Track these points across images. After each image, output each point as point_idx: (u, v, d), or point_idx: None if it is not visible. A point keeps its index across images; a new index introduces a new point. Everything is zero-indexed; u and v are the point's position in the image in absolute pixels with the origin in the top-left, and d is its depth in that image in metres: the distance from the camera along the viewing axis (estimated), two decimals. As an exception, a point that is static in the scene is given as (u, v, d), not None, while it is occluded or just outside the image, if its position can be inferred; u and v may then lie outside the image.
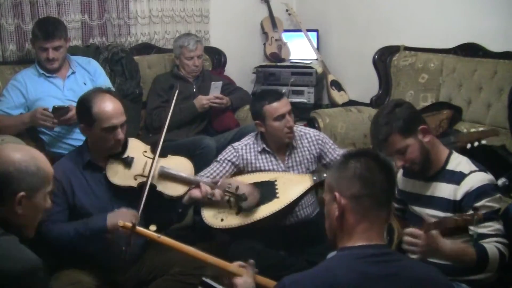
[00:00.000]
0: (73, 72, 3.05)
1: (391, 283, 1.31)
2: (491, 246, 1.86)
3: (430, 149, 2.01)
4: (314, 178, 2.59)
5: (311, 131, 2.78)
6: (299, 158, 2.69)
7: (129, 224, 1.98)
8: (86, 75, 3.10)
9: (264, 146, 2.67)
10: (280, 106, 2.58)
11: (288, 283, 1.33)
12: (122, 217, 2.02)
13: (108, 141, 2.17)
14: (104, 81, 3.17)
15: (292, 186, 2.57)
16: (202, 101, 3.45)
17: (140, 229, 1.97)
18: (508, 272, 1.94)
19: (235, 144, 2.72)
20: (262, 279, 1.65)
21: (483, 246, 1.86)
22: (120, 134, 2.17)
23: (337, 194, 1.39)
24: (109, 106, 2.16)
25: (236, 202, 2.44)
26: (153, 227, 1.97)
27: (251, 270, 1.67)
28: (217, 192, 2.27)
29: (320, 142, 2.72)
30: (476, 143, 2.38)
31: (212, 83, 3.51)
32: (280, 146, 2.68)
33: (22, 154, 1.54)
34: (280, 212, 2.53)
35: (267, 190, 2.55)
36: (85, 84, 3.04)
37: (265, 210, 2.51)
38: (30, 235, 1.57)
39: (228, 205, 2.51)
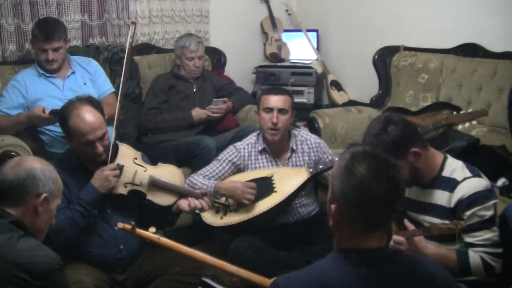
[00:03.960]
0: (73, 72, 3.05)
1: (390, 285, 1.30)
2: (476, 255, 1.88)
3: (421, 166, 1.96)
4: (311, 170, 2.59)
5: (313, 138, 2.78)
6: (300, 162, 2.69)
7: (129, 226, 1.98)
8: (86, 75, 3.09)
9: (265, 146, 2.67)
10: (273, 100, 2.60)
11: (282, 284, 1.33)
12: (110, 179, 2.12)
13: (88, 153, 2.16)
14: (104, 81, 3.17)
15: (288, 179, 2.58)
16: (201, 115, 3.46)
17: (140, 230, 1.98)
18: (508, 272, 1.94)
19: (237, 144, 2.72)
20: (263, 280, 1.62)
21: (466, 254, 1.88)
22: (99, 148, 2.13)
23: (333, 207, 1.35)
24: (84, 122, 2.11)
25: (225, 208, 2.46)
26: (152, 229, 1.98)
27: None
28: (204, 204, 2.27)
29: (319, 149, 2.72)
30: (467, 124, 2.36)
31: (214, 100, 3.52)
32: (279, 148, 2.68)
33: (44, 163, 1.67)
34: (279, 206, 2.53)
35: (264, 185, 2.56)
36: (85, 84, 3.04)
37: (264, 205, 2.52)
38: (39, 241, 1.61)
39: (227, 203, 2.51)
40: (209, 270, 2.17)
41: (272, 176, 2.59)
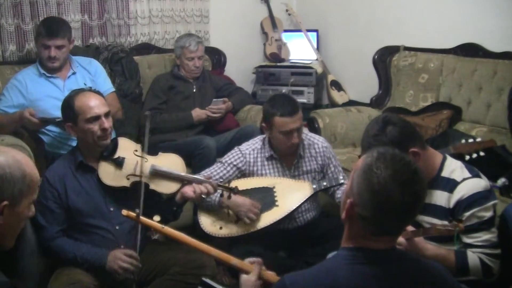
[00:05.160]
0: (74, 73, 3.05)
1: (395, 285, 1.30)
2: (474, 256, 1.88)
3: (420, 166, 1.93)
4: (314, 186, 2.54)
5: (320, 142, 2.69)
6: (306, 168, 2.63)
7: (133, 214, 1.98)
8: (87, 76, 3.10)
9: (272, 152, 2.60)
10: (291, 122, 2.45)
11: (289, 282, 1.32)
12: (119, 262, 2.08)
13: (95, 132, 2.19)
14: (104, 81, 3.17)
15: (291, 193, 2.52)
16: (201, 115, 3.47)
17: (144, 219, 1.97)
18: (507, 272, 1.94)
19: (243, 148, 2.64)
20: (270, 275, 1.63)
21: (465, 254, 1.88)
22: (105, 123, 2.20)
23: (348, 201, 1.33)
24: (89, 99, 2.22)
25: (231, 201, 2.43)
26: (157, 218, 1.97)
27: (257, 266, 1.62)
28: (209, 187, 2.25)
29: (326, 154, 2.66)
30: (474, 155, 2.37)
31: (213, 100, 3.53)
32: (287, 154, 2.62)
33: (7, 159, 1.37)
34: (280, 221, 2.51)
35: (265, 197, 2.51)
36: (85, 84, 3.02)
37: (265, 219, 2.48)
38: (9, 246, 1.47)
39: (227, 213, 2.50)
40: (209, 270, 2.17)
41: (274, 187, 2.54)
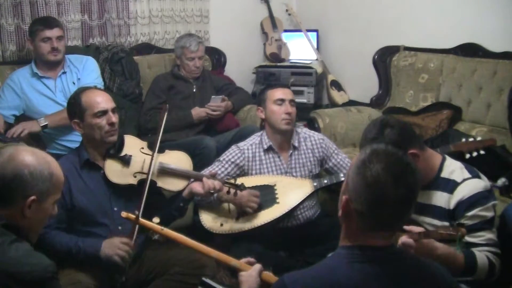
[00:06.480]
0: (64, 72, 3.04)
1: (395, 284, 1.30)
2: (481, 254, 1.87)
3: (419, 168, 1.93)
4: (315, 184, 2.56)
5: (316, 135, 2.76)
6: (303, 160, 2.66)
7: (133, 216, 1.97)
8: (75, 74, 3.07)
9: (271, 143, 2.64)
10: (282, 92, 2.65)
11: (288, 282, 1.32)
12: (117, 250, 2.05)
13: (102, 127, 2.18)
14: (89, 74, 3.10)
15: (292, 191, 2.54)
16: (201, 113, 3.47)
17: (143, 221, 1.97)
18: (507, 272, 1.94)
19: (241, 144, 2.67)
20: (269, 276, 1.63)
21: (473, 253, 1.87)
22: (113, 118, 2.20)
23: (344, 197, 1.34)
24: (96, 94, 2.24)
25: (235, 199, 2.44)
26: (156, 219, 1.97)
27: (258, 266, 1.63)
28: (217, 184, 2.26)
29: (323, 145, 2.70)
30: (475, 153, 2.38)
31: (212, 97, 3.53)
32: (282, 142, 2.65)
33: (37, 159, 1.53)
34: (280, 218, 2.52)
35: (266, 194, 2.52)
36: (73, 83, 3.01)
37: (266, 216, 2.49)
38: (33, 240, 1.56)
39: (227, 210, 2.50)
40: (209, 270, 2.17)
41: (275, 185, 2.56)
